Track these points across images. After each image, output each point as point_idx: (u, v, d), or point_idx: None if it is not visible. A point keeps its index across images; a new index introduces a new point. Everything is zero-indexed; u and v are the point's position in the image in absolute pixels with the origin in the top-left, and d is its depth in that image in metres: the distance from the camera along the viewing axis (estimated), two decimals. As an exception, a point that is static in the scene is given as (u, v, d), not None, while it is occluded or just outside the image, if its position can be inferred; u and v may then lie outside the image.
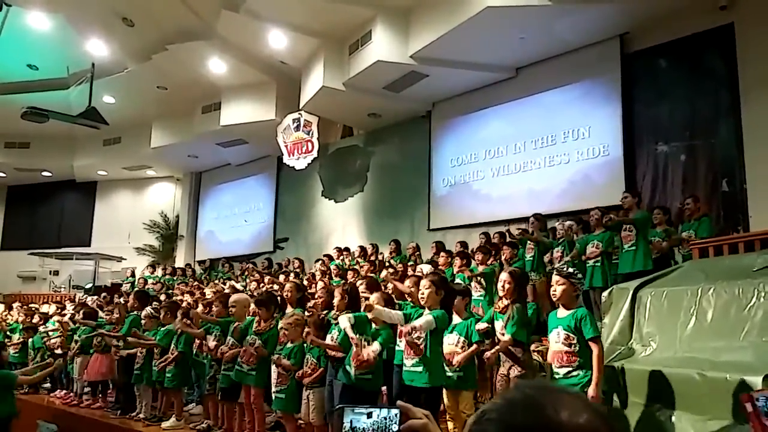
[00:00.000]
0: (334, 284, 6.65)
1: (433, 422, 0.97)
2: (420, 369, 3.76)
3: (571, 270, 3.75)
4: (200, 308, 6.58)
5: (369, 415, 1.01)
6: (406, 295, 5.00)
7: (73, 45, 11.44)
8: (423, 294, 3.89)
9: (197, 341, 5.76)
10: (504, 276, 4.16)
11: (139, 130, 14.27)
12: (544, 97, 9.28)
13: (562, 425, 0.69)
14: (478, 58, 9.24)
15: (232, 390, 4.99)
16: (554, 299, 3.75)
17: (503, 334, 4.02)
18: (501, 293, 4.10)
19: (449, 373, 4.13)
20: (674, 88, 7.96)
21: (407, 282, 5.02)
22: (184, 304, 7.03)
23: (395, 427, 0.99)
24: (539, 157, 9.21)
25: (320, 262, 10.19)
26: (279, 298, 5.55)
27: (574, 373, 3.56)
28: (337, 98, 10.45)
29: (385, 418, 1.00)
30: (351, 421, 1.01)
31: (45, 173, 16.93)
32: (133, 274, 13.85)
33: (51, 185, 17.54)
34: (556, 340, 3.66)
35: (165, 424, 5.49)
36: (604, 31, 8.37)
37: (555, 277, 3.75)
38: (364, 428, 1.01)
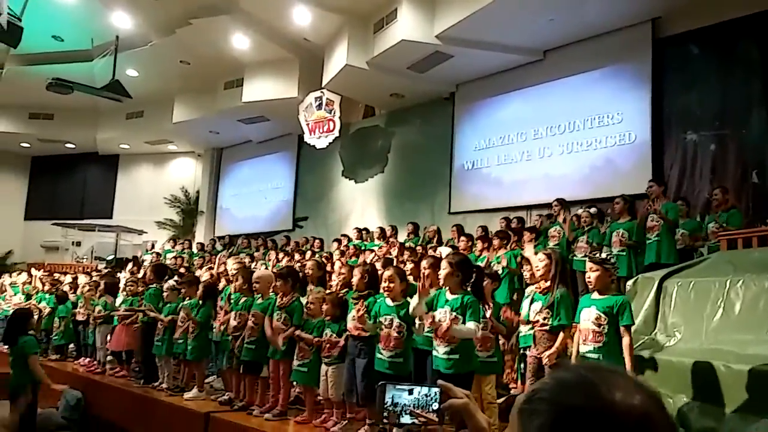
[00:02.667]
0: (352, 264, 6.66)
1: (473, 402, 0.97)
2: (453, 357, 3.69)
3: (604, 256, 3.77)
4: (223, 283, 6.66)
5: (410, 392, 1.02)
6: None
7: (97, 17, 11.47)
8: (440, 275, 3.87)
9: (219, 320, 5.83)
10: (540, 255, 4.15)
11: (162, 105, 14.33)
12: (571, 81, 9.13)
13: (615, 405, 0.68)
14: (505, 39, 9.10)
15: (254, 364, 5.06)
16: (590, 286, 3.78)
17: (546, 318, 4.01)
18: (538, 274, 4.09)
19: (481, 358, 4.13)
20: (706, 76, 7.79)
21: (423, 262, 4.96)
22: (203, 279, 7.10)
23: (435, 405, 1.00)
24: (565, 142, 9.09)
25: (338, 242, 10.22)
26: (300, 275, 5.60)
27: (598, 356, 3.60)
28: (360, 77, 10.38)
29: (426, 396, 1.01)
30: (393, 397, 1.02)
31: (68, 145, 17.14)
32: (153, 246, 14.03)
33: (74, 157, 17.77)
34: (587, 318, 3.72)
35: (187, 395, 5.59)
36: (635, 15, 8.19)
37: (588, 264, 3.79)
38: (405, 404, 1.01)
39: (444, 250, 6.13)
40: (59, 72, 11.92)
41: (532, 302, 4.19)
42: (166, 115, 14.40)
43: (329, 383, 4.51)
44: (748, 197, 7.10)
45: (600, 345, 3.66)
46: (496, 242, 7.05)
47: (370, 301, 4.33)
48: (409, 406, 1.01)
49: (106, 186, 17.66)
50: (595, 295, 3.79)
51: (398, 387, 1.03)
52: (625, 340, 3.62)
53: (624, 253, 6.30)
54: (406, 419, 1.00)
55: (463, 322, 3.67)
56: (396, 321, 4.03)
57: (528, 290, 4.36)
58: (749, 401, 3.54)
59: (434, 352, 3.79)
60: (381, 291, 4.23)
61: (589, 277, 3.78)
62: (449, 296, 3.83)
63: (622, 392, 0.70)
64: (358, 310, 4.20)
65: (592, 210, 7.22)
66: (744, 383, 3.59)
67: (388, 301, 4.11)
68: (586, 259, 3.98)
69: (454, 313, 3.74)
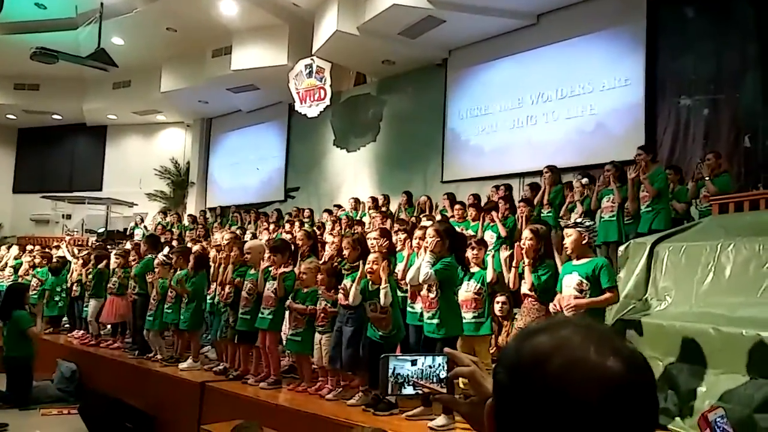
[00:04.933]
0: (345, 235, 6.65)
1: (482, 369, 0.95)
2: (436, 321, 3.81)
3: (578, 220, 3.80)
4: (213, 253, 6.63)
5: (413, 363, 1.00)
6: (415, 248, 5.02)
7: (80, -17, 11.15)
8: (428, 243, 3.94)
9: (212, 287, 5.85)
10: (526, 233, 4.15)
11: (149, 74, 14.06)
12: (564, 45, 8.99)
13: (534, 347, 0.70)
14: (499, 2, 8.94)
15: (248, 334, 5.08)
16: (567, 252, 3.83)
17: (532, 290, 4.04)
18: (525, 250, 4.10)
19: (467, 320, 4.16)
20: (701, 39, 7.68)
21: (417, 232, 4.93)
22: (194, 250, 7.07)
23: (443, 374, 0.98)
24: (557, 108, 9.01)
25: (329, 212, 10.18)
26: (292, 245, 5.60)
27: None
28: (350, 43, 10.19)
29: (430, 366, 0.99)
30: (394, 368, 1.00)
31: (55, 116, 16.85)
32: (142, 220, 13.94)
33: (61, 128, 17.47)
34: (568, 285, 3.74)
35: (182, 366, 5.62)
36: (630, -23, 8.04)
37: (565, 231, 3.82)
38: (407, 375, 0.99)
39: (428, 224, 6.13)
40: (43, 41, 11.62)
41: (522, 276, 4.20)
42: (153, 85, 14.14)
43: (323, 352, 4.55)
44: (740, 162, 7.09)
45: (582, 310, 3.67)
46: (502, 207, 7.02)
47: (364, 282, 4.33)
48: (413, 377, 0.98)
49: (94, 158, 17.43)
50: (575, 261, 3.81)
51: (400, 358, 1.00)
52: (606, 295, 3.66)
53: (614, 219, 6.31)
54: (408, 390, 0.98)
55: (446, 290, 3.80)
56: (381, 303, 4.07)
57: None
58: (738, 363, 3.58)
59: (423, 320, 3.89)
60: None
61: (565, 243, 3.81)
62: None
63: (543, 336, 0.70)
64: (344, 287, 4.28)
65: (584, 180, 7.17)
66: (733, 345, 3.63)
67: (373, 286, 4.14)
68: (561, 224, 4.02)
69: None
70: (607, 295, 3.68)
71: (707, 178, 6.09)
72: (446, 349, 0.98)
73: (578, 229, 3.80)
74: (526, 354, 0.69)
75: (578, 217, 6.03)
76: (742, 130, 7.19)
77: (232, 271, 5.42)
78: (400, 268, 4.66)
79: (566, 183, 7.52)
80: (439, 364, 0.99)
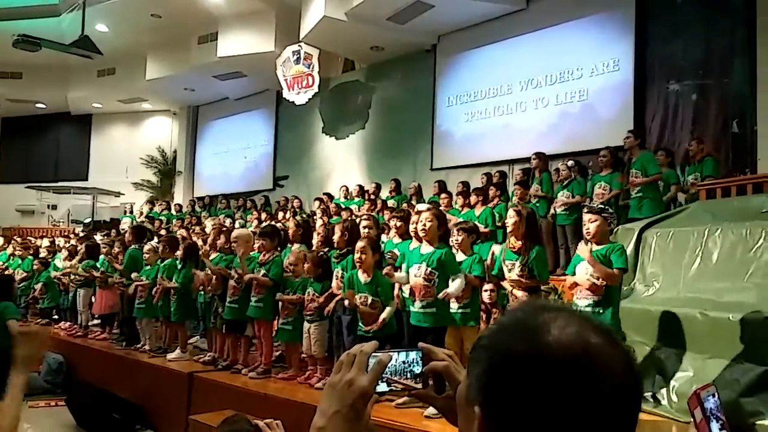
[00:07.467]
0: (334, 223, 6.62)
1: (457, 362, 0.93)
2: (428, 310, 3.77)
3: (602, 206, 3.73)
4: (199, 242, 6.59)
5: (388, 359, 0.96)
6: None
7: (62, -32, 10.93)
8: (425, 227, 3.86)
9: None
10: (510, 212, 4.10)
11: (134, 61, 13.84)
12: (554, 31, 8.93)
13: (549, 345, 0.63)
14: (487, -13, 8.87)
15: (236, 323, 5.04)
16: (588, 237, 3.74)
17: (522, 276, 3.94)
18: (508, 231, 4.05)
19: (453, 310, 4.13)
20: (690, 24, 7.65)
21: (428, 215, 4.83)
22: (183, 240, 7.02)
23: (418, 369, 0.95)
24: (548, 93, 8.97)
25: (319, 200, 10.13)
26: (282, 233, 5.58)
27: (596, 309, 3.57)
28: (338, 29, 10.07)
29: (404, 362, 0.96)
30: (369, 365, 0.96)
31: (39, 105, 16.57)
32: (131, 210, 13.80)
33: (46, 117, 17.18)
34: (584, 272, 3.67)
35: (170, 356, 5.59)
36: (620, -39, 7.99)
37: (587, 215, 3.75)
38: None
39: (423, 208, 6.09)
40: (26, 28, 11.41)
41: (501, 260, 4.15)
42: (138, 72, 13.93)
43: (312, 340, 4.53)
44: (728, 147, 7.11)
45: (599, 298, 3.60)
46: (473, 198, 7.02)
47: (351, 274, 4.26)
48: (386, 374, 0.95)
49: (80, 147, 17.17)
50: (593, 247, 3.71)
51: (374, 355, 0.96)
52: (614, 273, 3.58)
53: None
54: (382, 387, 0.94)
55: (442, 279, 3.70)
56: (370, 299, 4.01)
57: (496, 248, 4.31)
58: (725, 347, 3.60)
59: (411, 308, 3.84)
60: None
61: (588, 228, 3.70)
62: (424, 250, 3.82)
63: (558, 330, 0.64)
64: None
65: (570, 163, 7.18)
66: (720, 330, 3.65)
67: (362, 277, 4.08)
68: (584, 210, 3.94)
69: (430, 269, 3.75)
70: (615, 271, 3.58)
71: (697, 174, 6.11)
72: (421, 344, 0.95)
73: (604, 215, 3.71)
74: (557, 351, 0.63)
75: (600, 202, 6.00)
76: (730, 116, 7.21)
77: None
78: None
79: (554, 170, 7.53)
80: (413, 360, 0.95)
